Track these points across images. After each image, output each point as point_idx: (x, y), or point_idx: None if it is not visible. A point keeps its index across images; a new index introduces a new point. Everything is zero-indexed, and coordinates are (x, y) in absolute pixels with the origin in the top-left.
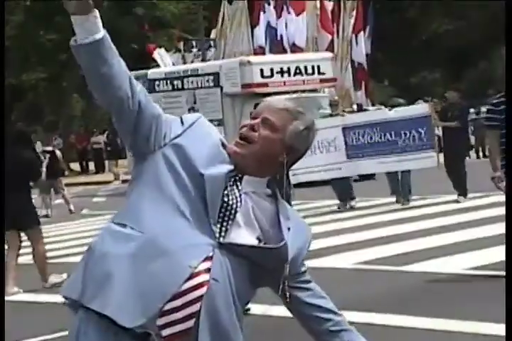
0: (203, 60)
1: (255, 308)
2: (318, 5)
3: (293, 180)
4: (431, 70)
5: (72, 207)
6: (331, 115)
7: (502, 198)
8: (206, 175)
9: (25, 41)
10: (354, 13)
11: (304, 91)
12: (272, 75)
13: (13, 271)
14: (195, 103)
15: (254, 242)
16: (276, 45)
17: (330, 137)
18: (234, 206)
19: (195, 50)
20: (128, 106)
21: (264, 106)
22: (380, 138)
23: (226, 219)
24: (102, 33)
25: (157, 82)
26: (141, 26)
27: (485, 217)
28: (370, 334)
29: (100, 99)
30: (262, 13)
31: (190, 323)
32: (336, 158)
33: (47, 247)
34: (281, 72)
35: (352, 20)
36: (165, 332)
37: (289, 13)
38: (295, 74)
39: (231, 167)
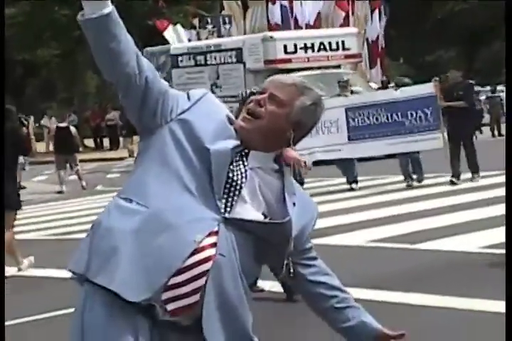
0: (219, 37)
1: (261, 284)
2: None
3: (306, 158)
4: (446, 49)
5: (84, 184)
6: (338, 95)
7: None
8: (212, 149)
9: (39, 17)
10: None
11: (328, 67)
12: (295, 51)
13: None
14: (218, 79)
15: (260, 217)
16: (291, 24)
17: (332, 118)
18: (239, 181)
19: (210, 26)
20: (135, 81)
21: (271, 82)
22: (387, 119)
23: (231, 194)
24: (110, 7)
25: (180, 58)
26: (155, 2)
27: (498, 196)
28: (381, 312)
29: (107, 75)
30: None
31: (196, 297)
32: (336, 140)
33: (58, 223)
34: (305, 47)
35: None
36: (169, 307)
37: None
38: (319, 49)
39: (237, 142)
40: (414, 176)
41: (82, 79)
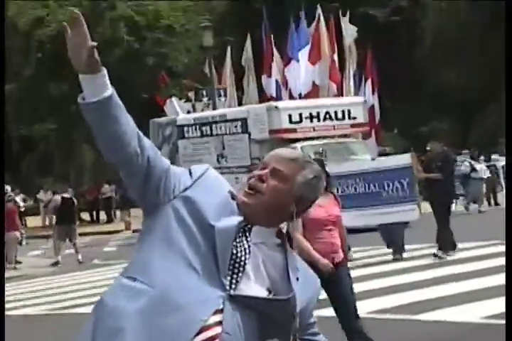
0: (214, 109)
1: None
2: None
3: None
4: (440, 120)
5: (80, 257)
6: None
7: None
8: (217, 227)
9: (36, 92)
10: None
11: (334, 136)
12: (300, 120)
13: None
14: (223, 149)
15: (264, 294)
16: (286, 95)
17: None
18: (243, 258)
19: (205, 99)
20: (137, 161)
21: (272, 157)
22: (365, 189)
23: (236, 271)
24: (110, 90)
25: (186, 128)
26: (158, 77)
27: (490, 267)
28: None
29: (109, 156)
30: (273, 63)
31: None
32: None
33: (57, 298)
34: (311, 117)
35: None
36: None
37: (297, 61)
38: (325, 119)
39: (240, 218)
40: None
41: (78, 153)
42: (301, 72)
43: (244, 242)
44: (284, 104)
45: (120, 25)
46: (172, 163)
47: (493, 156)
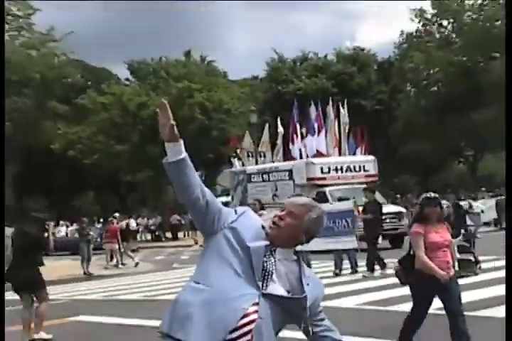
0: (256, 164)
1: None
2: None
3: None
4: (409, 174)
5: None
6: None
7: None
8: (251, 247)
9: (139, 152)
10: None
11: (353, 183)
12: (329, 172)
13: (29, 321)
14: (276, 190)
15: (285, 293)
16: (303, 156)
17: None
18: (270, 269)
19: (251, 158)
20: (200, 204)
21: (289, 202)
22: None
23: (266, 277)
24: (184, 154)
25: (252, 176)
26: (228, 142)
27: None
28: None
29: (181, 199)
30: (295, 136)
31: None
32: None
33: (149, 289)
34: (336, 169)
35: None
36: None
37: (312, 133)
38: (346, 171)
39: (268, 242)
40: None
41: (164, 193)
42: (313, 142)
43: (272, 258)
44: (317, 160)
45: (195, 108)
46: (243, 198)
47: (443, 201)
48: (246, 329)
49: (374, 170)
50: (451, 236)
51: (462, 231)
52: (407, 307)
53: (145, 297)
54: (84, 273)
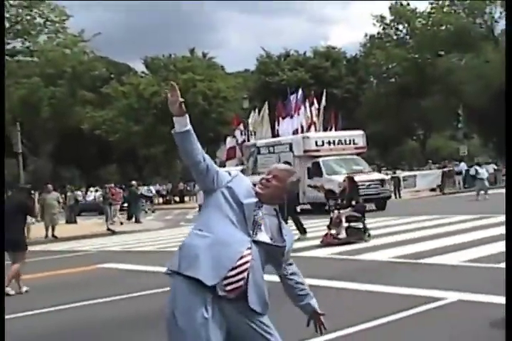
0: (248, 141)
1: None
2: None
3: None
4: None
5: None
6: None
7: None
8: (245, 203)
9: (152, 131)
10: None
11: (344, 154)
12: (322, 144)
13: (16, 275)
14: (279, 161)
15: (269, 241)
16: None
17: None
18: (259, 221)
19: (244, 136)
20: (201, 166)
21: (274, 168)
22: None
23: (255, 228)
24: (189, 126)
25: (261, 149)
26: (232, 122)
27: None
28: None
29: (187, 162)
30: (280, 118)
31: (242, 283)
32: None
33: (162, 242)
34: (329, 142)
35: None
36: (228, 288)
37: (291, 117)
38: (338, 143)
39: (257, 199)
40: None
41: (173, 164)
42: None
43: (259, 213)
44: (312, 135)
45: (198, 95)
46: (254, 167)
47: (398, 171)
48: (243, 268)
49: (363, 143)
50: (341, 207)
51: (353, 202)
52: (365, 256)
53: (157, 248)
54: (108, 230)
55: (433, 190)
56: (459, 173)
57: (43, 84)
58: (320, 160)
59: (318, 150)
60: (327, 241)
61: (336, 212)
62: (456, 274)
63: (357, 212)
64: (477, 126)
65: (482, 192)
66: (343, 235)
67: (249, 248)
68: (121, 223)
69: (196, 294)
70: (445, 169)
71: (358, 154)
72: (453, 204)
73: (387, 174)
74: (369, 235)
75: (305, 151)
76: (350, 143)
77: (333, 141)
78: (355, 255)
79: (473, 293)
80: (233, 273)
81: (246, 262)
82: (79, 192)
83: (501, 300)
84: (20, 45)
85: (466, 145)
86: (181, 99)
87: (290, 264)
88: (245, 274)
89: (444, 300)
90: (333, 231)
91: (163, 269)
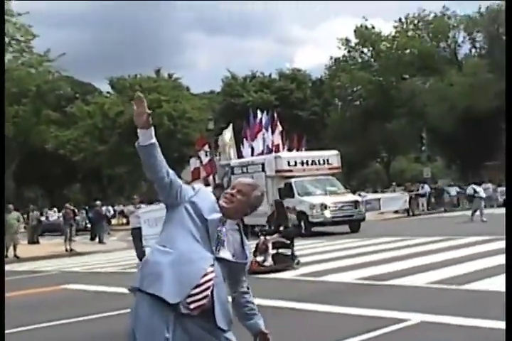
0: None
1: None
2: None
3: (144, 243)
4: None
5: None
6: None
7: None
8: (209, 219)
9: (118, 150)
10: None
11: (318, 175)
12: (295, 164)
13: None
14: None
15: (231, 258)
16: (252, 154)
17: (163, 215)
18: (222, 237)
19: (208, 156)
20: (165, 181)
21: (238, 182)
22: None
23: (218, 244)
24: (154, 139)
25: (235, 168)
26: (197, 143)
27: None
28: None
29: (150, 176)
30: (245, 139)
31: (205, 300)
32: None
33: (127, 263)
34: (302, 162)
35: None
36: (192, 306)
37: (253, 139)
38: (312, 164)
39: (220, 214)
40: None
41: (138, 184)
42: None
43: (223, 229)
44: (284, 154)
45: (163, 116)
46: (228, 187)
47: (362, 193)
48: (206, 285)
49: (337, 163)
50: (267, 233)
51: (281, 228)
52: (330, 278)
53: (120, 269)
54: (66, 250)
55: (396, 212)
56: (423, 195)
57: (7, 103)
58: (292, 180)
59: (290, 171)
60: (253, 269)
61: (262, 238)
62: (419, 295)
63: (285, 238)
64: (440, 148)
65: (477, 213)
66: (269, 262)
67: (212, 265)
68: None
69: (158, 312)
70: (412, 193)
71: (332, 174)
72: (418, 225)
73: None
74: (298, 262)
75: (277, 171)
76: (324, 163)
77: (307, 161)
78: (320, 276)
79: (436, 315)
80: (197, 290)
81: (209, 280)
82: (38, 213)
83: (463, 321)
84: None
85: (429, 168)
86: (148, 111)
87: (244, 282)
88: (209, 292)
89: (407, 321)
90: (259, 259)
91: (126, 290)
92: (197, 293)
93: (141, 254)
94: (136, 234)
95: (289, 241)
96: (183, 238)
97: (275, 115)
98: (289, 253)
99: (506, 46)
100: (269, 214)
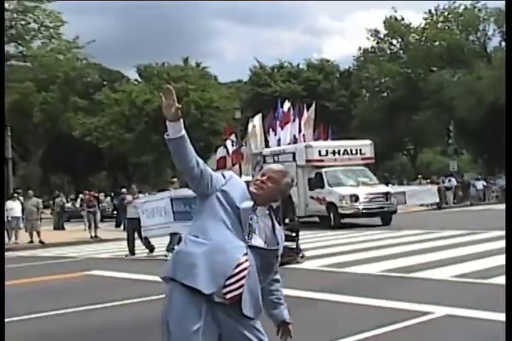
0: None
1: None
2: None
3: (143, 234)
4: None
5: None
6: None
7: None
8: (241, 208)
9: (144, 138)
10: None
11: (350, 165)
12: (326, 154)
13: None
14: None
15: (264, 245)
16: (280, 144)
17: (162, 205)
18: (254, 225)
19: (235, 146)
20: (196, 171)
21: (268, 169)
22: (184, 208)
23: (250, 232)
24: (183, 131)
25: (267, 157)
26: (224, 132)
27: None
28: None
29: (180, 168)
30: (271, 129)
31: (241, 290)
32: (166, 220)
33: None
34: (333, 152)
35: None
36: (228, 295)
37: (282, 127)
38: (343, 154)
39: (253, 202)
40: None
41: (164, 172)
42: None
43: (254, 216)
44: (315, 144)
45: (191, 105)
46: None
47: (389, 185)
48: (241, 275)
49: (370, 153)
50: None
51: (287, 220)
52: (354, 269)
53: (144, 257)
54: (91, 237)
55: (422, 205)
56: (449, 189)
57: (35, 89)
58: (323, 170)
59: (321, 160)
60: None
61: None
62: (444, 289)
63: (290, 230)
64: (467, 142)
65: None
66: None
67: (246, 254)
68: (85, 229)
69: (192, 302)
70: (440, 185)
71: (365, 165)
72: (445, 219)
73: None
74: (303, 256)
75: (308, 161)
76: (356, 153)
77: (338, 151)
78: (343, 267)
79: (461, 308)
80: (232, 280)
81: (244, 269)
82: (64, 199)
83: (488, 315)
84: (13, 50)
85: (456, 161)
86: (178, 105)
87: (276, 269)
88: (244, 281)
89: (432, 314)
90: None
91: (151, 277)
92: (232, 283)
93: (143, 244)
94: (133, 224)
95: (294, 234)
96: (216, 227)
97: (303, 105)
98: (294, 246)
99: (506, 46)
100: (275, 207)
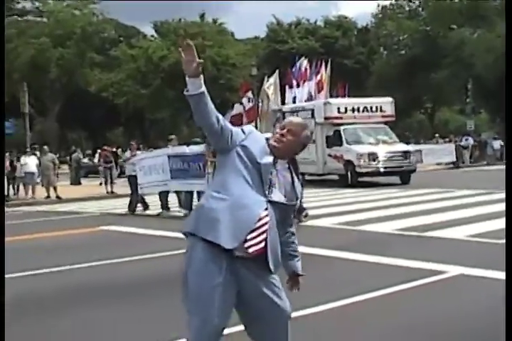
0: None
1: None
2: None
3: (139, 191)
4: None
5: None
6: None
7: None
8: (261, 163)
9: (159, 94)
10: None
11: (370, 123)
12: (345, 111)
13: None
14: None
15: (283, 199)
16: (295, 101)
17: (160, 162)
18: (274, 180)
19: (251, 102)
20: (216, 127)
21: (288, 122)
22: (182, 165)
23: (270, 187)
24: (203, 88)
25: (286, 114)
26: (241, 89)
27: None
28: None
29: (200, 124)
30: (287, 87)
31: (263, 244)
32: (163, 177)
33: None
34: (353, 109)
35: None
36: (251, 249)
37: (298, 85)
38: (363, 111)
39: (272, 156)
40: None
41: (180, 127)
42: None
43: (274, 171)
44: (334, 101)
45: (207, 61)
46: None
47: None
48: (262, 229)
49: (391, 111)
50: None
51: None
52: (369, 227)
53: (160, 212)
54: (107, 192)
55: (439, 164)
56: (466, 148)
57: (52, 44)
58: (341, 128)
59: (340, 118)
60: None
61: None
62: (458, 248)
63: None
64: (485, 100)
65: None
66: None
67: (266, 209)
68: (101, 184)
69: (212, 257)
70: (457, 144)
71: (385, 123)
72: (463, 178)
73: None
74: (306, 215)
75: (326, 118)
76: (376, 111)
77: (358, 108)
78: (358, 226)
79: (475, 268)
80: (254, 235)
81: (265, 223)
82: (81, 154)
83: (502, 275)
84: (30, 5)
85: (473, 120)
86: (200, 60)
87: (292, 222)
88: (265, 235)
89: (446, 273)
90: None
91: (168, 233)
92: (254, 237)
93: (136, 200)
94: (132, 181)
95: None
96: (236, 183)
97: (320, 62)
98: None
99: (506, 46)
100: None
